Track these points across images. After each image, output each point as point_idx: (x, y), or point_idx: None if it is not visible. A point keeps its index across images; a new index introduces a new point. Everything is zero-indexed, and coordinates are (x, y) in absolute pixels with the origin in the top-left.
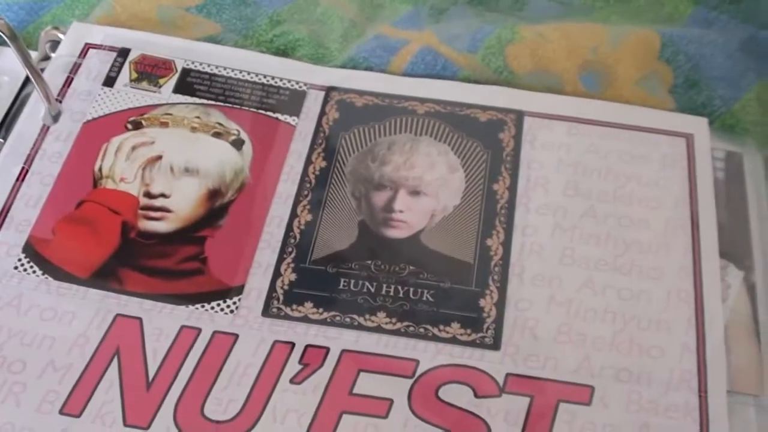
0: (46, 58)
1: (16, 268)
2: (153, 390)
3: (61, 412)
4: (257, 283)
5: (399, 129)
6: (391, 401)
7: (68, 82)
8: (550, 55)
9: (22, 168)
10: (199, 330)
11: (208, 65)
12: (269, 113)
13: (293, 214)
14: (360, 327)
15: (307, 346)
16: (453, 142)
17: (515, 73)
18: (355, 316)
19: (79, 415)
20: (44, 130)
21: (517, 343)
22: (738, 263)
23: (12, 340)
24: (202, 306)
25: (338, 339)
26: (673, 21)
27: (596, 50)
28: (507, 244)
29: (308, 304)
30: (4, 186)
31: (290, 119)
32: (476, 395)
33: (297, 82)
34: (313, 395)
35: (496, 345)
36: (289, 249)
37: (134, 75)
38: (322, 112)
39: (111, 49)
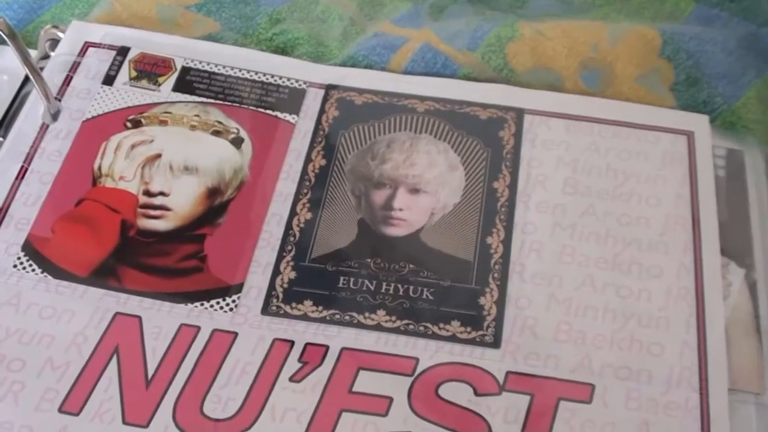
0: (46, 56)
1: (15, 266)
2: (152, 388)
3: (60, 411)
4: (256, 281)
5: (399, 127)
6: (391, 399)
7: (67, 80)
8: (550, 52)
9: (22, 166)
10: (199, 328)
11: (208, 63)
12: (269, 111)
13: (293, 213)
14: (359, 325)
15: (306, 345)
16: (453, 140)
17: (515, 71)
18: (354, 314)
19: (78, 414)
20: (43, 128)
21: (517, 341)
22: (739, 261)
23: (11, 338)
24: (202, 304)
25: (338, 337)
26: (674, 18)
27: (596, 48)
28: (507, 242)
29: (308, 303)
30: (3, 184)
31: (290, 117)
32: (476, 393)
33: (296, 81)
34: (312, 393)
35: (496, 343)
36: (289, 247)
37: (134, 73)
38: (322, 111)
39: (110, 47)
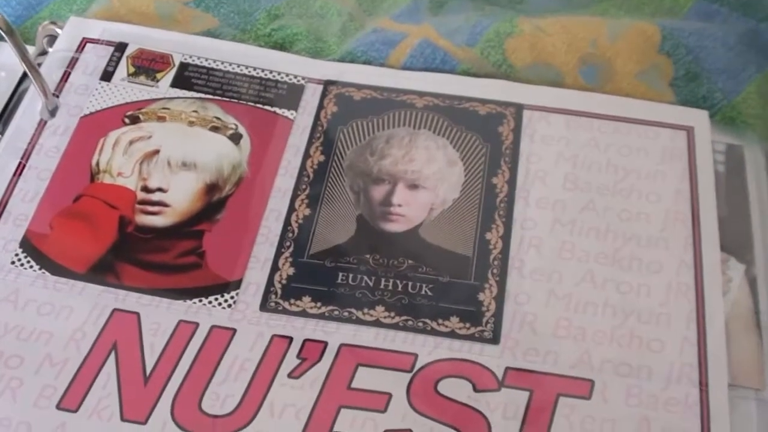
0: (44, 53)
1: (13, 263)
2: (150, 385)
3: (58, 407)
4: (255, 277)
5: (398, 122)
6: (390, 395)
7: (65, 76)
8: (549, 48)
9: (20, 163)
10: (197, 324)
11: (206, 59)
12: (267, 107)
13: (291, 208)
14: (358, 321)
15: (305, 341)
16: (452, 135)
17: (514, 67)
18: (353, 310)
19: (76, 410)
20: (41, 124)
21: (517, 336)
22: (739, 256)
23: (9, 334)
24: (200, 300)
25: (336, 333)
26: (673, 14)
27: (596, 43)
28: (506, 238)
29: (306, 299)
30: (1, 181)
31: (288, 113)
32: (475, 389)
33: (295, 76)
34: (311, 389)
35: (495, 339)
36: (287, 243)
37: (131, 69)
38: (321, 106)
39: (108, 43)
